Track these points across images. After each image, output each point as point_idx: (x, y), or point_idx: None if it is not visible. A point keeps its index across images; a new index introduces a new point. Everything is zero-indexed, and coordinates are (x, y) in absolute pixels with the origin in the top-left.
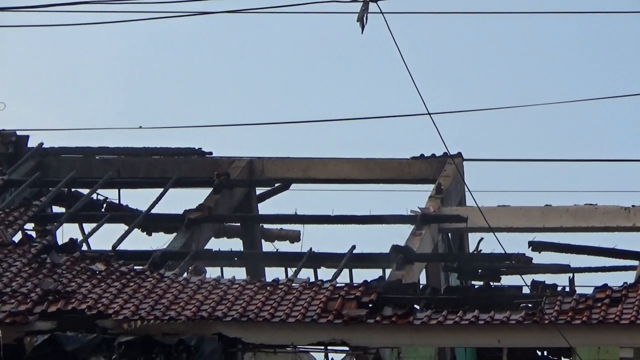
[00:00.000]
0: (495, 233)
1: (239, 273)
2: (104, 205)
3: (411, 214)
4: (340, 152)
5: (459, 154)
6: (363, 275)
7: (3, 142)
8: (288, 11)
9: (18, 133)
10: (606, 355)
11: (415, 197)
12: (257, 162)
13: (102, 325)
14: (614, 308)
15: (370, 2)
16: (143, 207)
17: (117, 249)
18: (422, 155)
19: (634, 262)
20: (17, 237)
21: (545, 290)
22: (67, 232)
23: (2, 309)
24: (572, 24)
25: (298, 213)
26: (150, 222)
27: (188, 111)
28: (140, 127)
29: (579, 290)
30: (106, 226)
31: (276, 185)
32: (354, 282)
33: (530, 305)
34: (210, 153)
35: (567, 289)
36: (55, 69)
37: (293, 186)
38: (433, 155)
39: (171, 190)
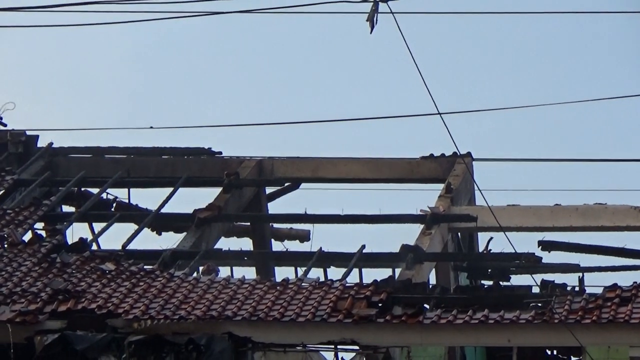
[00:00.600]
0: (505, 232)
1: (249, 272)
2: (114, 205)
3: (421, 213)
4: (350, 152)
5: (469, 154)
6: (373, 274)
7: (13, 142)
8: (297, 11)
9: (28, 133)
10: (616, 355)
11: (424, 197)
12: (267, 161)
13: (112, 324)
14: (624, 307)
15: (380, 2)
16: (153, 207)
17: (127, 248)
18: (431, 154)
19: None
20: (27, 237)
21: (555, 289)
22: (76, 232)
23: (12, 308)
24: (585, 23)
25: (308, 212)
26: (160, 221)
27: (198, 111)
28: (152, 127)
29: (588, 290)
30: (116, 225)
31: (286, 184)
32: (363, 281)
33: (540, 304)
34: (220, 153)
35: (577, 288)
36: (65, 69)
37: (303, 186)
38: (442, 155)
39: (181, 190)
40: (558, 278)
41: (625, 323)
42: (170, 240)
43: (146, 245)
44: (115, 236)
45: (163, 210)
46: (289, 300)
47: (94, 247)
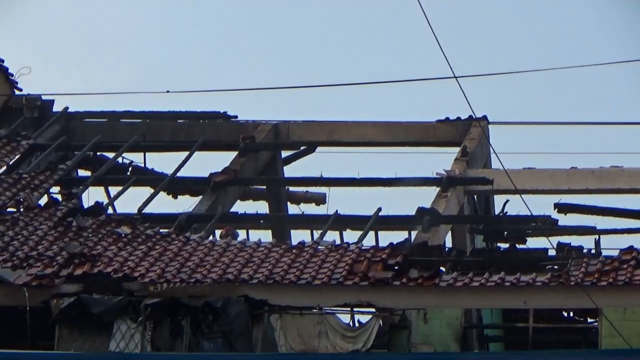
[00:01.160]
0: (521, 195)
1: (265, 236)
2: (130, 169)
3: (437, 176)
4: (366, 116)
5: (485, 117)
6: (389, 237)
7: (28, 107)
8: None
9: (43, 97)
10: (632, 316)
11: (440, 160)
12: (283, 125)
13: (128, 287)
14: None
15: None
16: (169, 171)
17: (143, 212)
18: (447, 118)
19: None
20: (43, 201)
21: (571, 252)
22: (92, 196)
23: (28, 272)
24: None
25: (323, 176)
26: (175, 185)
27: (214, 75)
28: (168, 92)
29: (604, 252)
30: (132, 189)
31: (301, 148)
32: (379, 244)
33: (556, 267)
34: (236, 117)
35: (593, 250)
36: (81, 34)
37: (318, 149)
38: (458, 119)
39: (197, 154)
40: (574, 240)
41: None
42: (186, 203)
43: (162, 209)
44: (131, 200)
45: (179, 174)
46: (305, 263)
47: (110, 211)
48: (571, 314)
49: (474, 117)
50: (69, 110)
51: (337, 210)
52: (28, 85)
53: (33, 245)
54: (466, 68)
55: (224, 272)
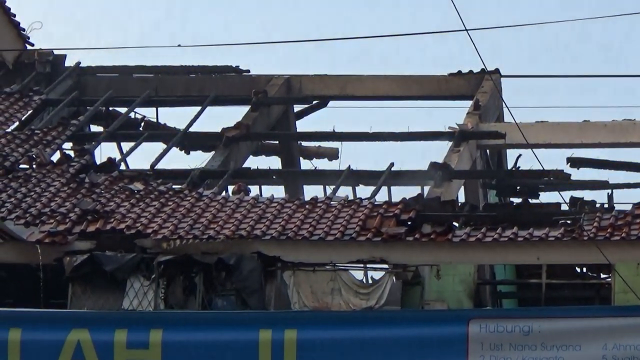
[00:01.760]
0: (534, 149)
1: (278, 191)
2: (142, 124)
3: (449, 130)
4: (378, 70)
5: (497, 70)
6: (402, 192)
7: (40, 62)
8: None
9: (55, 52)
10: None
11: (453, 114)
12: (295, 79)
13: (141, 244)
14: None
15: None
16: (181, 126)
17: (155, 167)
18: (459, 71)
19: None
20: (56, 157)
21: (583, 206)
22: (105, 151)
23: (41, 229)
24: None
25: (336, 130)
26: (188, 140)
27: (225, 29)
28: (179, 46)
29: (617, 207)
30: (144, 145)
31: (314, 102)
32: (392, 199)
33: (569, 221)
34: (248, 71)
35: (606, 205)
36: None
37: (331, 103)
38: (470, 72)
39: (209, 108)
40: (587, 195)
41: None
42: (198, 159)
43: (174, 165)
44: (143, 156)
45: (191, 129)
46: (318, 219)
47: (123, 166)
48: (584, 269)
49: (486, 70)
50: (81, 65)
51: (349, 165)
52: (40, 40)
53: (46, 202)
54: (478, 20)
55: (237, 228)
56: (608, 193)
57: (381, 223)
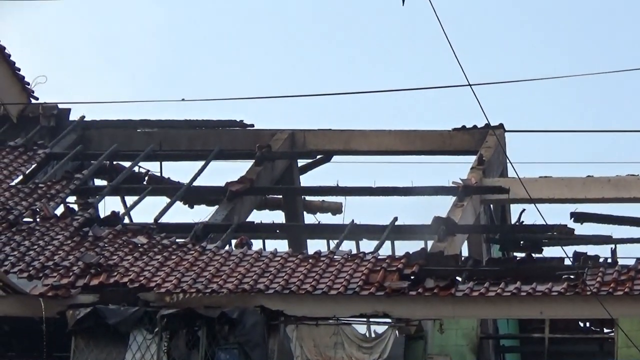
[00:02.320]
0: (537, 204)
1: (281, 245)
2: (146, 178)
3: (453, 185)
4: (382, 124)
5: (501, 125)
6: (405, 247)
7: (45, 115)
8: None
9: (60, 106)
10: None
11: (457, 169)
12: (299, 134)
13: (144, 298)
14: None
15: None
16: (185, 180)
17: (159, 221)
18: (463, 126)
19: None
20: (59, 210)
21: (587, 261)
22: (109, 205)
23: (44, 282)
24: None
25: (340, 185)
26: (192, 194)
27: (229, 84)
28: (183, 100)
29: (621, 261)
30: (148, 199)
31: (318, 157)
32: (395, 254)
33: (572, 276)
34: (252, 125)
35: (609, 260)
36: (96, 42)
37: (334, 158)
38: (474, 127)
39: (213, 163)
40: (590, 250)
41: None
42: (202, 213)
43: (178, 219)
44: (147, 209)
45: (195, 184)
46: (321, 273)
47: (126, 220)
48: (587, 324)
49: (490, 125)
50: (86, 118)
51: (353, 220)
52: (44, 94)
53: (49, 256)
54: (482, 75)
55: (240, 282)
56: (611, 248)
57: (384, 277)
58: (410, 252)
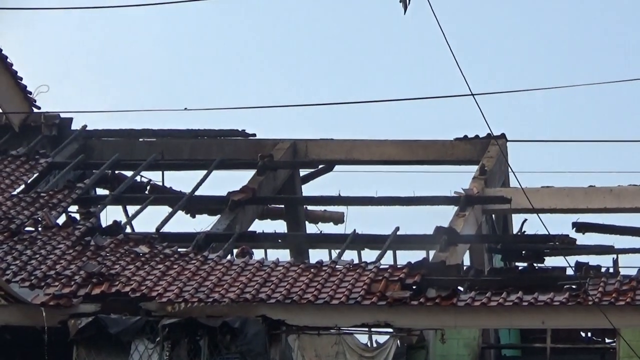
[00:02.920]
0: (539, 214)
1: (283, 255)
2: (148, 187)
3: (455, 195)
4: (384, 134)
5: (503, 135)
6: (407, 256)
7: (47, 125)
8: None
9: (61, 115)
10: None
11: (458, 179)
12: (301, 143)
13: (146, 307)
14: None
15: None
16: (187, 189)
17: (161, 231)
18: (465, 136)
19: None
20: (61, 220)
21: (589, 271)
22: (110, 214)
23: (46, 291)
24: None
25: (342, 194)
26: (194, 204)
27: (231, 93)
28: (186, 109)
29: (623, 271)
30: (150, 208)
31: (320, 166)
32: (397, 263)
33: (574, 286)
34: (254, 135)
35: (611, 270)
36: (98, 51)
37: (337, 167)
38: (476, 137)
39: (215, 172)
40: (592, 260)
41: None
42: (204, 222)
43: (180, 228)
44: (149, 219)
45: (197, 193)
46: (323, 283)
47: (128, 229)
48: (589, 334)
49: (492, 135)
50: (88, 128)
51: (355, 229)
52: (46, 103)
53: (51, 265)
54: (484, 85)
55: (242, 291)
56: (613, 258)
57: (386, 287)
58: (412, 262)
